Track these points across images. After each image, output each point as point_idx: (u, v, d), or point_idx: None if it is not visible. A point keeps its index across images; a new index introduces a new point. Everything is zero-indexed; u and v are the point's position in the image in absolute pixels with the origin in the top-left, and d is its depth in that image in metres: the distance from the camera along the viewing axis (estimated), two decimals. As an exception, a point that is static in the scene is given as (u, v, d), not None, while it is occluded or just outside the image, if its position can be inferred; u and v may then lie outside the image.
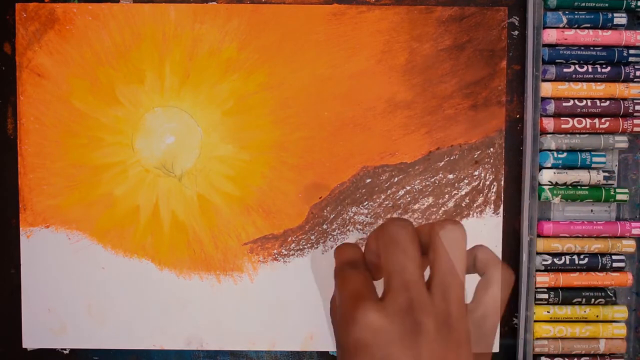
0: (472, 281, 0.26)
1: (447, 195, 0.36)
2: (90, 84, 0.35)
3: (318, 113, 0.35)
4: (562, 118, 0.35)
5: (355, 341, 0.23)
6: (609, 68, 0.34)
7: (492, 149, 0.35)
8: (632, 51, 0.34)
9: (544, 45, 0.34)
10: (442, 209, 0.36)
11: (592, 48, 0.34)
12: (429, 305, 0.23)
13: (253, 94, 0.35)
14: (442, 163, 0.35)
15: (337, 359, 0.26)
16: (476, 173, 0.36)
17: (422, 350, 0.22)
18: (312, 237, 0.36)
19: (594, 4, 0.34)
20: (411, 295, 0.23)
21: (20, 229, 0.35)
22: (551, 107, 0.34)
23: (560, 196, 0.35)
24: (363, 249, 0.28)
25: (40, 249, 0.35)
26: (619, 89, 0.34)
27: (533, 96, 0.34)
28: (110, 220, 0.35)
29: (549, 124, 0.34)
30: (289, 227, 0.36)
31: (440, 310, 0.23)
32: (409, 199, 0.36)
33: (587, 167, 0.35)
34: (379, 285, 0.25)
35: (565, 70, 0.34)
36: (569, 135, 0.35)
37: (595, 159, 0.35)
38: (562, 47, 0.34)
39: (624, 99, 0.35)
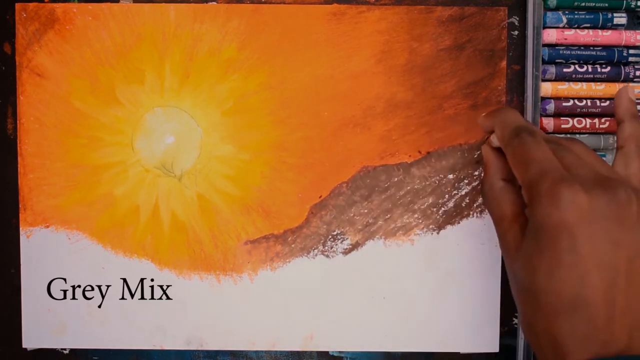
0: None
1: (447, 195, 0.36)
2: (90, 84, 0.35)
3: (318, 113, 0.35)
4: (562, 118, 0.35)
5: (559, 222, 0.22)
6: (609, 68, 0.34)
7: (492, 149, 0.35)
8: (632, 51, 0.34)
9: (544, 45, 0.34)
10: (442, 209, 0.36)
11: (592, 48, 0.34)
12: (619, 177, 0.24)
13: (253, 94, 0.35)
14: (442, 163, 0.35)
15: (507, 245, 0.25)
16: (476, 173, 0.36)
17: (626, 224, 0.22)
18: (312, 237, 0.36)
19: (594, 4, 0.34)
20: (597, 171, 0.23)
21: (20, 229, 0.35)
22: (551, 107, 0.34)
23: (560, 196, 0.35)
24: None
25: (40, 249, 0.35)
26: (619, 89, 0.34)
27: (533, 96, 0.34)
28: (110, 220, 0.35)
29: (549, 124, 0.34)
30: (289, 227, 0.36)
31: (622, 179, 0.24)
32: (409, 199, 0.36)
33: (587, 167, 0.35)
34: None
35: (565, 70, 0.34)
36: (569, 135, 0.35)
37: (595, 159, 0.35)
38: (562, 47, 0.34)
39: (624, 99, 0.35)
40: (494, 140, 0.28)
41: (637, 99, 0.35)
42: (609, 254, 0.22)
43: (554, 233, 0.22)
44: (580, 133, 0.35)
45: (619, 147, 0.28)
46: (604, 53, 0.34)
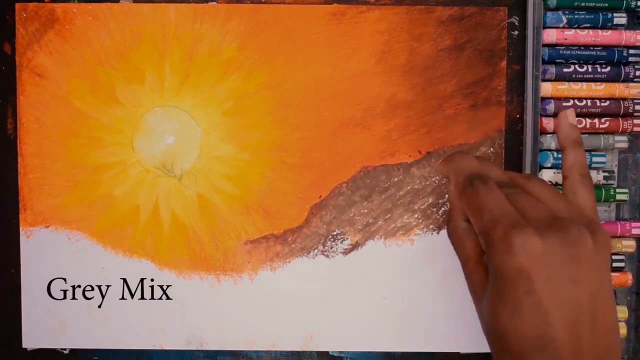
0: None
1: (447, 195, 0.36)
2: (90, 84, 0.35)
3: (318, 113, 0.35)
4: (562, 118, 0.35)
5: (515, 268, 0.23)
6: (608, 68, 0.34)
7: (492, 149, 0.35)
8: (632, 51, 0.34)
9: (544, 45, 0.34)
10: (442, 208, 0.36)
11: (592, 48, 0.34)
12: (574, 216, 0.24)
13: (253, 94, 0.35)
14: (442, 163, 0.35)
15: (472, 284, 0.26)
16: (476, 173, 0.36)
17: (582, 261, 0.23)
18: (312, 237, 0.36)
19: (594, 4, 0.34)
20: (551, 212, 0.24)
21: (20, 229, 0.35)
22: (551, 107, 0.34)
23: (560, 196, 0.35)
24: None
25: (40, 249, 0.35)
26: (618, 89, 0.34)
27: (533, 96, 0.34)
28: (110, 220, 0.35)
29: (549, 124, 0.34)
30: (289, 227, 0.36)
31: (577, 213, 0.24)
32: (409, 199, 0.36)
33: (587, 167, 0.35)
34: None
35: (565, 70, 0.34)
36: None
37: (595, 159, 0.35)
38: (562, 47, 0.34)
39: (624, 99, 0.35)
40: None
41: (637, 99, 0.35)
42: (568, 292, 0.22)
43: (512, 278, 0.23)
44: (580, 133, 0.35)
45: (563, 177, 0.28)
46: (604, 53, 0.34)
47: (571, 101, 0.34)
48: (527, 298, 0.22)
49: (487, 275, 0.25)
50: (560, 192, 0.27)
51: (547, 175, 0.34)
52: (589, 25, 0.34)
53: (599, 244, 0.23)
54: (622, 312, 0.35)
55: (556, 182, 0.35)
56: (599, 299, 0.23)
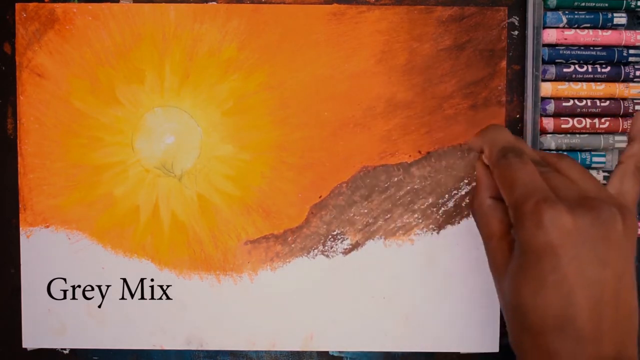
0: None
1: (447, 195, 0.36)
2: (90, 84, 0.35)
3: (318, 113, 0.35)
4: (562, 118, 0.35)
5: (543, 243, 0.22)
6: (608, 68, 0.34)
7: (492, 149, 0.35)
8: (632, 51, 0.34)
9: (544, 45, 0.34)
10: (442, 209, 0.36)
11: (592, 48, 0.34)
12: (605, 196, 0.24)
13: (253, 94, 0.35)
14: (442, 163, 0.35)
15: (494, 261, 0.26)
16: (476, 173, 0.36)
17: (611, 243, 0.23)
18: (312, 237, 0.36)
19: (594, 4, 0.34)
20: (583, 191, 0.24)
21: (20, 229, 0.35)
22: (551, 107, 0.34)
23: (560, 196, 0.35)
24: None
25: (40, 249, 0.35)
26: (618, 89, 0.34)
27: (533, 96, 0.34)
28: (110, 220, 0.35)
29: (548, 124, 0.34)
30: (289, 227, 0.36)
31: (607, 195, 0.24)
32: (409, 199, 0.36)
33: (587, 167, 0.35)
34: None
35: (565, 70, 0.34)
36: (569, 135, 0.35)
37: (595, 159, 0.35)
38: (562, 47, 0.34)
39: (624, 99, 0.35)
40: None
41: (637, 99, 0.35)
42: (595, 272, 0.22)
43: (538, 254, 0.23)
44: (580, 133, 0.35)
45: (619, 162, 0.28)
46: (604, 53, 0.34)
47: (571, 101, 0.34)
48: (552, 275, 0.22)
49: (511, 252, 0.25)
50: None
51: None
52: (589, 25, 0.34)
53: (628, 228, 0.23)
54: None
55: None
56: (623, 282, 0.23)
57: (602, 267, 0.22)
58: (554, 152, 0.34)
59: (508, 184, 0.25)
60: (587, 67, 0.34)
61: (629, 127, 0.35)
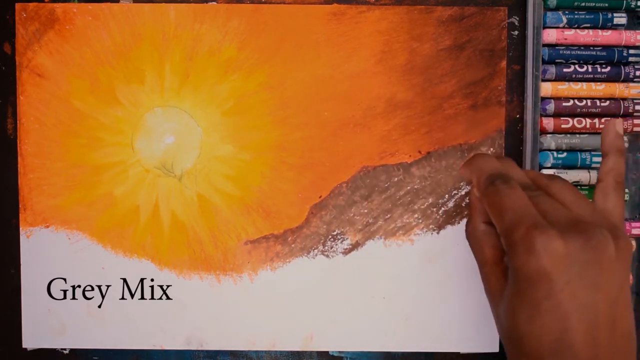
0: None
1: (447, 195, 0.36)
2: (90, 84, 0.35)
3: (318, 113, 0.35)
4: (562, 118, 0.35)
5: (536, 269, 0.22)
6: (608, 68, 0.34)
7: (492, 149, 0.35)
8: (632, 51, 0.34)
9: (544, 45, 0.34)
10: (442, 209, 0.36)
11: (592, 48, 0.34)
12: (596, 219, 0.24)
13: (253, 94, 0.35)
14: (442, 163, 0.35)
15: (489, 285, 0.26)
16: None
17: (603, 266, 0.22)
18: (312, 237, 0.36)
19: (593, 4, 0.34)
20: (574, 214, 0.24)
21: (20, 229, 0.35)
22: (551, 107, 0.34)
23: (560, 196, 0.35)
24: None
25: (40, 249, 0.35)
26: (618, 89, 0.34)
27: (533, 96, 0.34)
28: (110, 220, 0.35)
29: (548, 123, 0.34)
30: (289, 227, 0.36)
31: (600, 217, 0.24)
32: (409, 199, 0.36)
33: (587, 167, 0.35)
34: None
35: (565, 70, 0.34)
36: (568, 135, 0.35)
37: (595, 159, 0.35)
38: (562, 47, 0.34)
39: (624, 99, 0.35)
40: None
41: (637, 99, 0.35)
42: (588, 296, 0.22)
43: (532, 280, 0.23)
44: (580, 133, 0.35)
45: (598, 180, 0.28)
46: (604, 53, 0.34)
47: (571, 101, 0.34)
48: (547, 301, 0.22)
49: (505, 278, 0.25)
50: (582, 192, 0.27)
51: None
52: (589, 25, 0.34)
53: (621, 250, 0.23)
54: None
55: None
56: (618, 304, 0.23)
57: (595, 291, 0.22)
58: (554, 151, 0.34)
59: (497, 211, 0.24)
60: (587, 67, 0.34)
61: (628, 127, 0.35)
